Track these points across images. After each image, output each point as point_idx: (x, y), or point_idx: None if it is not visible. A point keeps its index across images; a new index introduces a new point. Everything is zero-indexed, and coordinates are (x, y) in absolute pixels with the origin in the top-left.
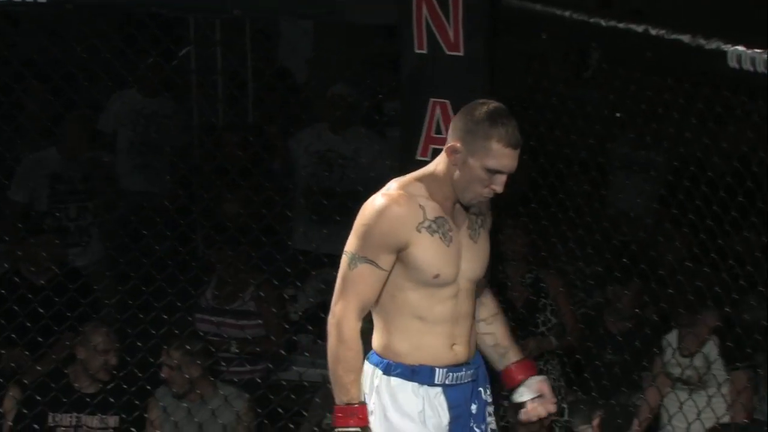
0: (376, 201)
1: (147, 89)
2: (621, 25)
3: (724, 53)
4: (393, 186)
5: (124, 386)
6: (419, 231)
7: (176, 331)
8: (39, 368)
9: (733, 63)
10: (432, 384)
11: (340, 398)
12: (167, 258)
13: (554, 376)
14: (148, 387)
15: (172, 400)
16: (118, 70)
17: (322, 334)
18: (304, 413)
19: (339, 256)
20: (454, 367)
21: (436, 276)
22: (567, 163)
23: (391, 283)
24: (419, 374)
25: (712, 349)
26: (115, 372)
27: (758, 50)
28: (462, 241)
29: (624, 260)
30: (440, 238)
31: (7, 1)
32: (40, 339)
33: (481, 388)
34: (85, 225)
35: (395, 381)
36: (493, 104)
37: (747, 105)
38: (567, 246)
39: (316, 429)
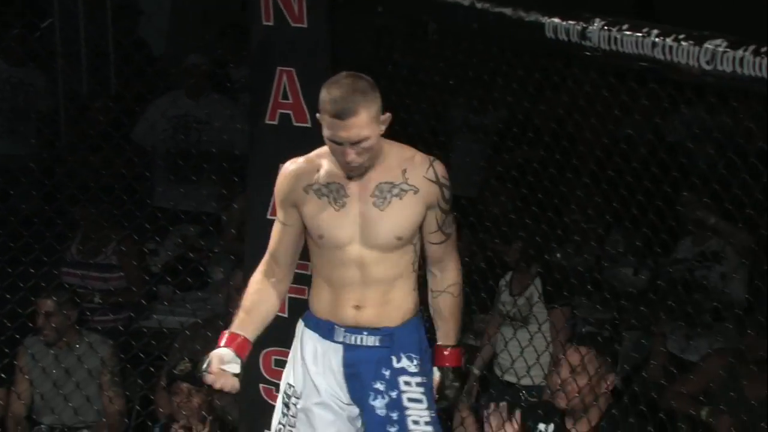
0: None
1: (13, 59)
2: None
3: (542, 25)
4: (313, 152)
5: None
6: (306, 192)
7: (43, 284)
8: None
9: (550, 34)
10: (332, 340)
11: None
12: (34, 216)
13: None
14: (17, 336)
15: (40, 347)
16: None
17: (180, 285)
18: (164, 358)
19: (196, 213)
20: (354, 329)
21: (320, 237)
22: (403, 125)
23: (307, 244)
24: (321, 328)
25: (534, 291)
26: None
27: (572, 21)
28: (362, 208)
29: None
30: (329, 201)
31: None
32: None
33: (394, 356)
34: None
35: (306, 330)
36: (338, 76)
37: (563, 72)
38: None
39: (174, 371)
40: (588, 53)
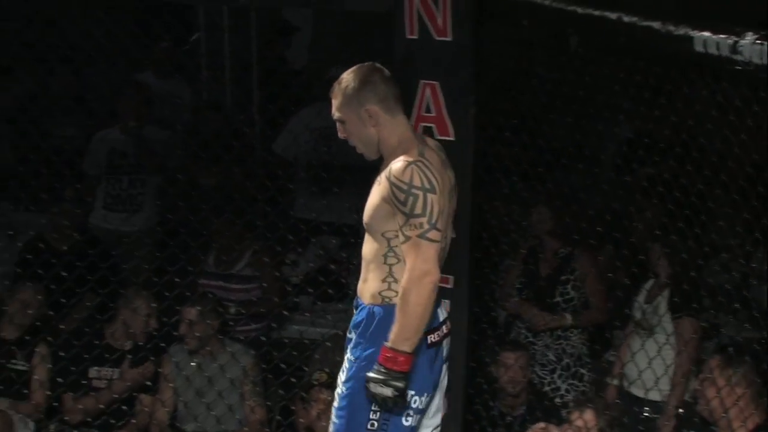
0: None
1: (161, 72)
2: (596, 13)
3: (691, 38)
4: None
5: (139, 344)
6: None
7: (188, 294)
8: (63, 327)
9: (699, 47)
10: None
11: None
12: (179, 226)
13: (570, 350)
14: (162, 345)
15: (184, 356)
16: (134, 53)
17: (321, 296)
18: (305, 368)
19: (337, 225)
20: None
21: None
22: (546, 140)
23: None
24: None
25: (662, 300)
26: (130, 331)
27: (723, 35)
28: None
29: (598, 229)
30: None
31: None
32: (63, 300)
33: (353, 328)
34: (135, 194)
35: None
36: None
37: (712, 86)
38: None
39: (314, 382)
40: (739, 67)
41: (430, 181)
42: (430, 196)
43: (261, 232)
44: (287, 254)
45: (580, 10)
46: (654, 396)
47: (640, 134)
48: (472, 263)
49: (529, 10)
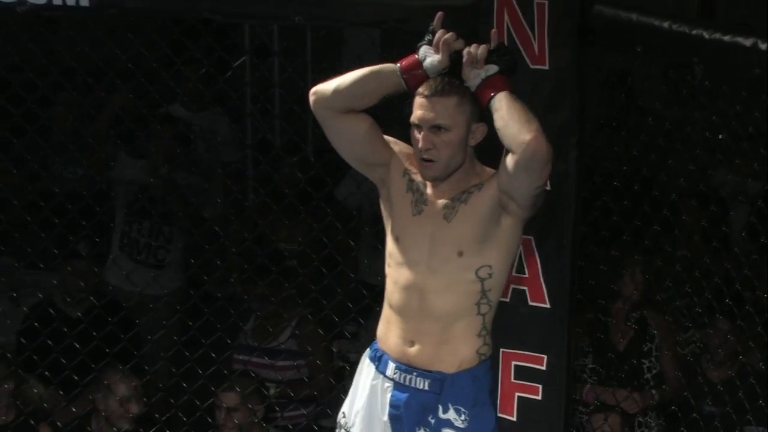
0: None
1: (196, 103)
2: (726, 38)
3: None
4: None
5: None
6: (403, 175)
7: (225, 372)
8: (74, 409)
9: None
10: (384, 375)
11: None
12: (216, 290)
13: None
14: None
15: None
16: (167, 80)
17: None
18: None
19: None
20: (407, 367)
21: (397, 238)
22: (662, 190)
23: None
24: (380, 362)
25: None
26: (157, 416)
27: None
28: (434, 222)
29: (727, 300)
30: (411, 201)
31: (46, 4)
32: (75, 377)
33: (441, 405)
34: (155, 246)
35: (367, 360)
36: None
37: None
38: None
39: None
40: None
41: None
42: None
43: (314, 297)
44: (346, 325)
45: (707, 34)
46: None
47: None
48: (571, 340)
49: (643, 34)
